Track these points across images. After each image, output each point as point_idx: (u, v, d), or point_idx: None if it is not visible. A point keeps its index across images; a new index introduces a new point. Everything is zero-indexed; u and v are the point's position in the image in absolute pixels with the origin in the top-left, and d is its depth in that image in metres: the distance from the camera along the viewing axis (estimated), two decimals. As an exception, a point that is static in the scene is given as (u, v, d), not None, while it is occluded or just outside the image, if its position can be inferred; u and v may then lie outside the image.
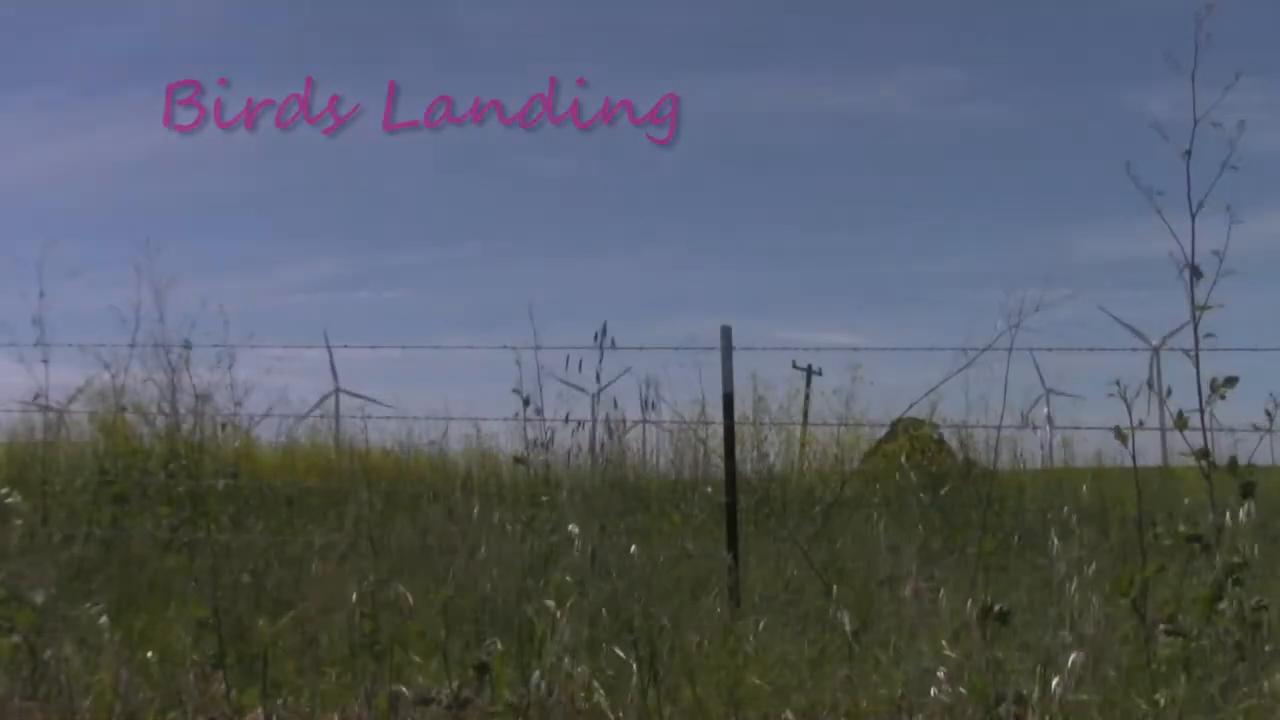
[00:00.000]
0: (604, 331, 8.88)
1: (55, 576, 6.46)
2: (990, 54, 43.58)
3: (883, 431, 13.34)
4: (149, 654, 5.78)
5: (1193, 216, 4.89)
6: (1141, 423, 4.92)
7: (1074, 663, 4.92)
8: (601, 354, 8.92)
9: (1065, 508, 8.73)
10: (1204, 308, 4.78)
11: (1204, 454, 4.78)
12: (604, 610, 6.04)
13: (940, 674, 5.04)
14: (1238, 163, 4.81)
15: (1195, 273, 4.79)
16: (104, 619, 6.08)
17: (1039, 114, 45.81)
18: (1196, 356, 4.80)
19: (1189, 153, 4.88)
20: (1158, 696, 4.60)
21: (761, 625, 6.33)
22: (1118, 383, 4.89)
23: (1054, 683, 4.78)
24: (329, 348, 13.15)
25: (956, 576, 7.14)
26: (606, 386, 9.84)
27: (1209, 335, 4.80)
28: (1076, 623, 5.53)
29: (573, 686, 5.19)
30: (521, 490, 9.56)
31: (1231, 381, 4.75)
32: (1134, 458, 5.09)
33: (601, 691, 5.15)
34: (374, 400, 15.19)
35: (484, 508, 8.84)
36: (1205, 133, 4.92)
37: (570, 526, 7.33)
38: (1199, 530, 4.80)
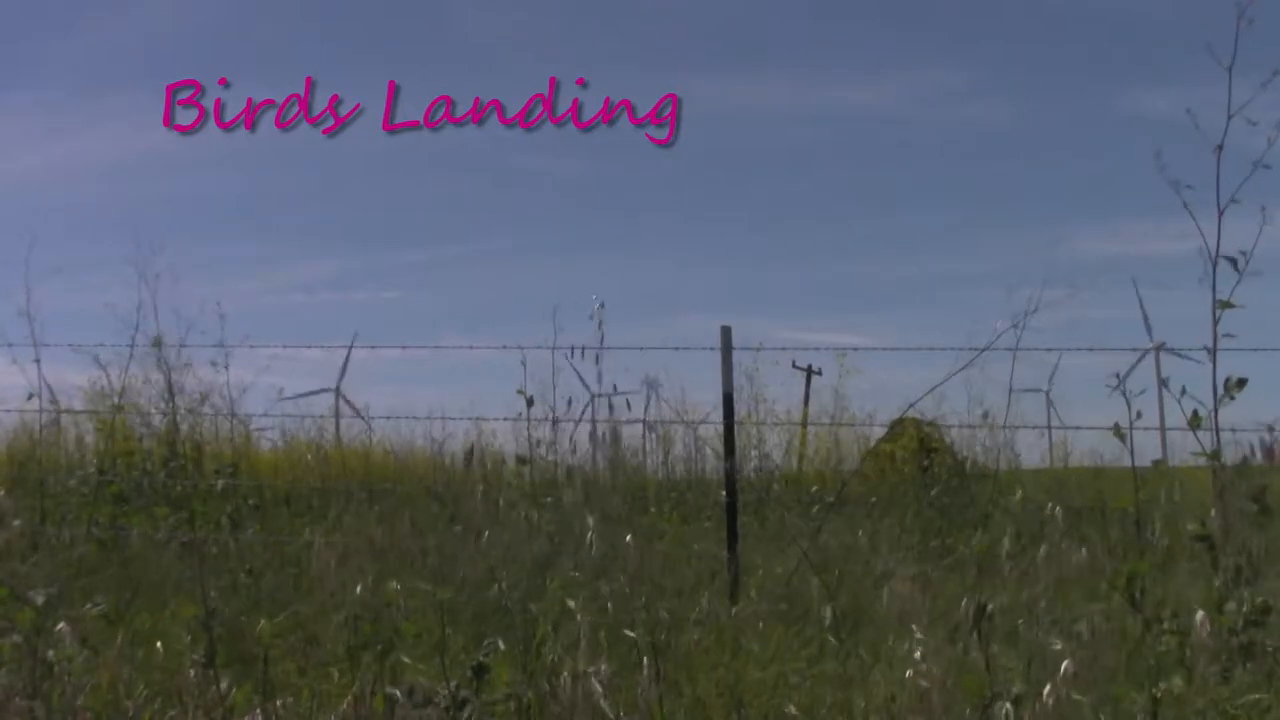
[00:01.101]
0: (602, 307, 8.58)
1: (55, 576, 6.44)
2: (990, 54, 43.69)
3: (882, 431, 13.35)
4: (149, 653, 5.77)
5: (1219, 211, 4.82)
6: (1140, 414, 4.90)
7: (1069, 662, 4.91)
8: (601, 334, 8.63)
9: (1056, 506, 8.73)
10: (1226, 305, 4.72)
11: (1216, 455, 4.75)
12: (606, 609, 6.03)
13: (935, 673, 5.04)
14: (1270, 161, 4.77)
15: (1232, 264, 4.72)
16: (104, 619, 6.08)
17: (1039, 114, 45.88)
18: (1214, 356, 4.75)
19: (1220, 147, 4.82)
20: (1155, 692, 4.58)
21: (760, 624, 6.32)
22: (1117, 375, 4.87)
23: (1048, 683, 4.77)
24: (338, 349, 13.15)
25: (952, 575, 7.14)
26: (610, 394, 9.71)
27: (1228, 335, 4.76)
28: (1073, 621, 5.52)
29: (574, 685, 5.18)
30: (525, 489, 9.56)
31: (1241, 383, 4.71)
32: (1132, 455, 5.08)
33: (601, 690, 5.14)
34: (359, 414, 15.19)
35: (486, 507, 8.84)
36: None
37: (572, 525, 7.33)
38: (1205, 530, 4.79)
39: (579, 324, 8.76)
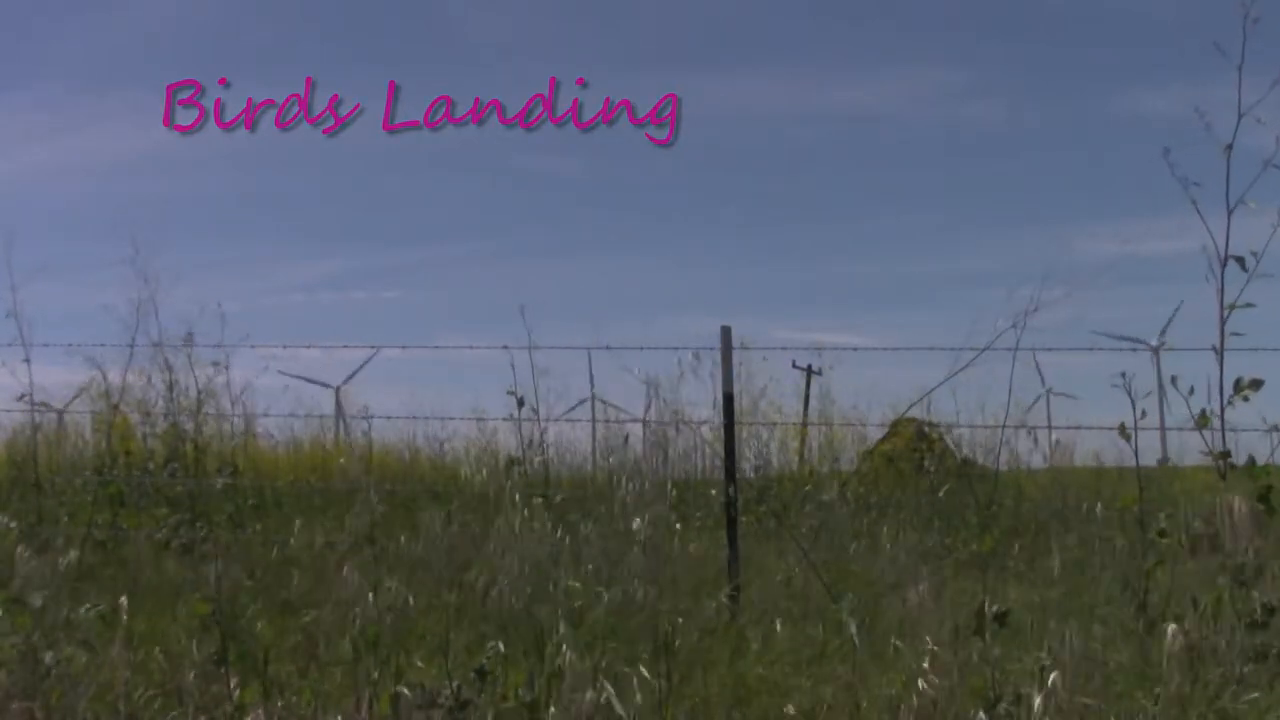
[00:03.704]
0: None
1: (54, 578, 6.43)
2: (990, 54, 43.69)
3: (883, 431, 13.34)
4: (149, 654, 5.76)
5: (1229, 211, 4.81)
6: (1144, 413, 4.88)
7: (1074, 662, 4.90)
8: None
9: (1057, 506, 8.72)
10: (1243, 305, 4.70)
11: (1224, 455, 4.74)
12: (607, 609, 6.02)
13: (939, 673, 5.02)
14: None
15: (1240, 264, 4.70)
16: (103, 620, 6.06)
17: (1039, 114, 45.87)
18: (1221, 355, 4.75)
19: (1230, 146, 4.81)
20: (1158, 691, 4.57)
21: (762, 624, 6.31)
22: (1123, 375, 4.85)
23: (1052, 681, 4.75)
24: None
25: (955, 576, 7.13)
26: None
27: (1235, 334, 4.75)
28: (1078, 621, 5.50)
29: (578, 686, 5.16)
30: (523, 490, 9.54)
31: (1256, 384, 4.70)
32: (1136, 455, 5.06)
33: (610, 689, 5.12)
34: (365, 416, 15.13)
35: (484, 508, 8.82)
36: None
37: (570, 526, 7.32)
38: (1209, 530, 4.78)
39: (571, 324, 8.78)
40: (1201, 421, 4.72)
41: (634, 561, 7.21)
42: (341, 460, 12.69)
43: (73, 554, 7.85)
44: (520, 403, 8.85)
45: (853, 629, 5.29)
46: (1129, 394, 4.85)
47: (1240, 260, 4.70)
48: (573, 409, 11.78)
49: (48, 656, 5.30)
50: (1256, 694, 4.47)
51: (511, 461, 9.32)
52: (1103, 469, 11.21)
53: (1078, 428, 12.46)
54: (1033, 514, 9.71)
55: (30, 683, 5.21)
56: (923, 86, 47.13)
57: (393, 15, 40.38)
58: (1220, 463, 4.73)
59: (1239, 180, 4.80)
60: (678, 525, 9.28)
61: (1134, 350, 10.10)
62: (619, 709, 4.86)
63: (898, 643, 5.68)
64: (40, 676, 5.23)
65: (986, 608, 4.92)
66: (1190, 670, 4.70)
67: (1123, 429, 5.06)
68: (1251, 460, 4.80)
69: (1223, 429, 4.74)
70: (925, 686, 4.96)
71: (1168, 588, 5.38)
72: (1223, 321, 4.76)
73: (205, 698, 5.26)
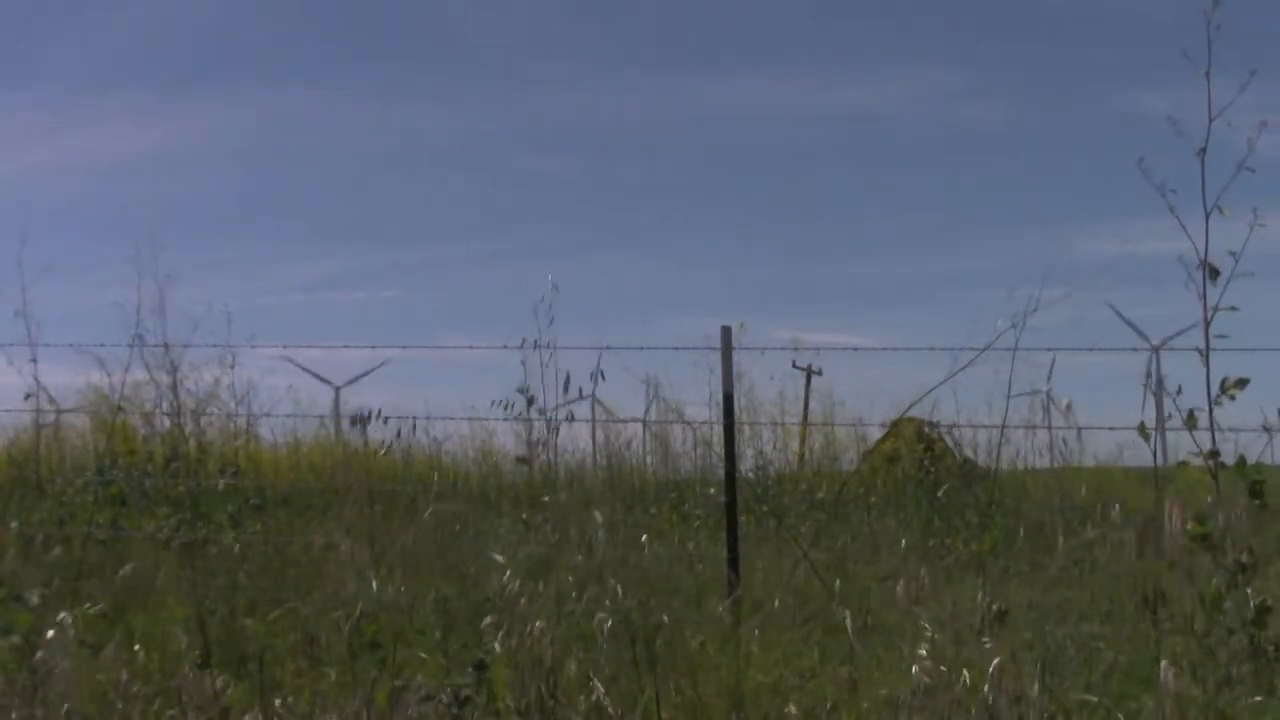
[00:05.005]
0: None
1: (54, 577, 6.43)
2: (990, 54, 43.70)
3: (883, 431, 13.36)
4: (147, 654, 5.77)
5: (1206, 215, 4.83)
6: (1171, 416, 4.88)
7: (1074, 661, 4.90)
8: None
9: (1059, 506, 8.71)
10: (1217, 309, 4.73)
11: (1213, 454, 4.75)
12: (604, 609, 6.02)
13: (939, 673, 5.02)
14: (1253, 163, 4.76)
15: (1213, 272, 4.73)
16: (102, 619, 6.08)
17: (1039, 114, 45.88)
18: (1207, 357, 4.76)
19: (1204, 151, 4.82)
20: (1167, 701, 4.57)
21: (762, 625, 6.31)
22: (1148, 376, 4.85)
23: (1050, 680, 4.75)
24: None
25: (955, 576, 7.13)
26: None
27: (1221, 336, 4.76)
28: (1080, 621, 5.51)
29: (573, 685, 5.17)
30: (522, 489, 9.55)
31: (1242, 383, 4.72)
32: (1154, 456, 5.07)
33: (602, 690, 5.13)
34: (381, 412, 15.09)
35: (484, 507, 8.83)
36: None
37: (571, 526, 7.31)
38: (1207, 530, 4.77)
39: (571, 324, 8.75)
40: (1190, 422, 4.75)
41: (633, 562, 7.21)
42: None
43: (73, 554, 7.86)
44: (530, 401, 8.80)
45: (849, 626, 5.29)
46: (1155, 395, 4.86)
47: (1214, 269, 4.74)
48: (573, 401, 11.75)
49: (47, 656, 5.31)
50: (1255, 694, 4.48)
51: (520, 460, 9.32)
52: (1104, 468, 11.22)
53: (1079, 427, 12.45)
54: (1031, 513, 9.71)
55: (29, 682, 5.22)
56: (923, 86, 47.21)
57: (393, 15, 40.51)
58: (1210, 463, 4.75)
59: (1219, 183, 4.83)
60: (678, 525, 9.29)
61: (1134, 351, 10.12)
62: (611, 710, 4.87)
63: (899, 643, 5.69)
64: (39, 676, 5.24)
65: (986, 606, 4.91)
66: (1189, 669, 4.70)
67: (1142, 429, 5.09)
68: (1241, 459, 4.82)
69: (1211, 429, 4.76)
70: (925, 686, 4.96)
71: (1167, 588, 5.38)
72: (1206, 324, 4.78)
73: (202, 698, 5.27)
